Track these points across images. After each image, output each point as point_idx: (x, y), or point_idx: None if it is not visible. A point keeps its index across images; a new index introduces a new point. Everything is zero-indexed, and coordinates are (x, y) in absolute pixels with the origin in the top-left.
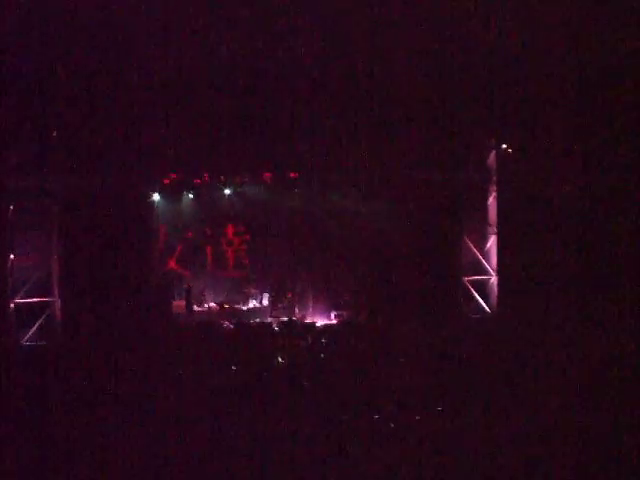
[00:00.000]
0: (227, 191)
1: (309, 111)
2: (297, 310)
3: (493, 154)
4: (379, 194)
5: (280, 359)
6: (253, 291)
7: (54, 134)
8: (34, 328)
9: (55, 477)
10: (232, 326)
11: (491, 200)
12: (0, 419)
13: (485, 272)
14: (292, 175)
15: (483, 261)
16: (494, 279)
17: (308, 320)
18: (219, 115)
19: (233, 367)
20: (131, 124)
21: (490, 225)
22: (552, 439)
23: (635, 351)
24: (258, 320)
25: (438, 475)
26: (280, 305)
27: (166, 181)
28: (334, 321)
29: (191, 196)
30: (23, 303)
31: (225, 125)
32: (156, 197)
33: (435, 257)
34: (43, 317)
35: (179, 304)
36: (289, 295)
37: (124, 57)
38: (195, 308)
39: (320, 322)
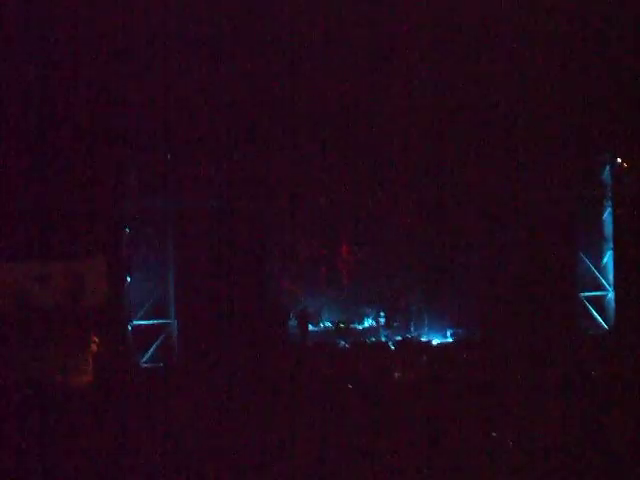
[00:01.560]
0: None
1: (418, 128)
2: (413, 328)
3: (608, 168)
4: (492, 211)
5: (396, 378)
6: (368, 310)
7: (168, 157)
8: (152, 349)
9: None
10: (348, 346)
11: (607, 215)
12: (122, 438)
13: (602, 288)
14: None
15: (599, 276)
16: (611, 295)
17: (424, 339)
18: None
19: (349, 386)
20: (243, 146)
21: (606, 240)
22: None
23: None
24: (374, 339)
25: None
26: (395, 324)
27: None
28: (450, 339)
29: None
30: (141, 325)
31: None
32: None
33: (550, 273)
34: (160, 338)
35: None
36: (404, 313)
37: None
38: (311, 328)
39: (436, 340)
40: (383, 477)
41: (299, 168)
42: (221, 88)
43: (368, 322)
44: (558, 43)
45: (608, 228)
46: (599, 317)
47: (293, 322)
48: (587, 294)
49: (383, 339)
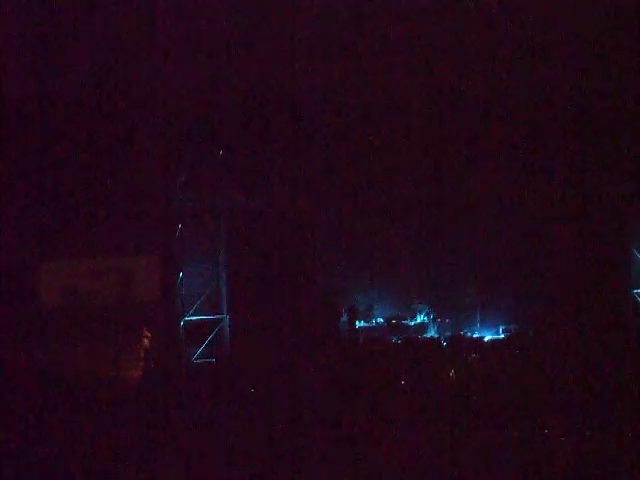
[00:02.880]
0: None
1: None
2: (465, 324)
3: None
4: (543, 206)
5: (449, 375)
6: (420, 306)
7: (220, 152)
8: (204, 345)
9: None
10: (399, 342)
11: None
12: (173, 434)
13: None
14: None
15: None
16: None
17: (476, 335)
18: None
19: (402, 382)
20: (294, 146)
21: None
22: None
23: None
24: (426, 335)
25: None
26: (447, 320)
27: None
28: (502, 336)
29: None
30: (193, 321)
31: None
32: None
33: (602, 270)
34: (212, 334)
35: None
36: (456, 309)
37: None
38: (362, 324)
39: (488, 336)
40: (435, 472)
41: (349, 167)
42: (274, 87)
43: (420, 318)
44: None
45: None
46: None
47: (345, 318)
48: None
49: (435, 335)
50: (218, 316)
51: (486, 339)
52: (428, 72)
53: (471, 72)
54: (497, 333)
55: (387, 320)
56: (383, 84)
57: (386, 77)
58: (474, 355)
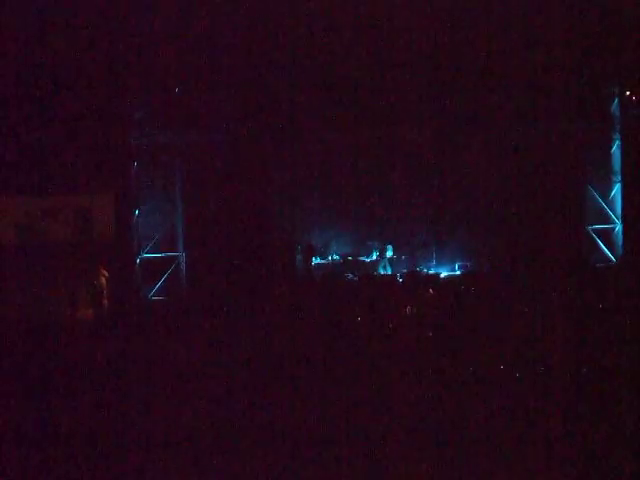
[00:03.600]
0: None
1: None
2: (420, 261)
3: (616, 101)
4: (500, 144)
5: (405, 311)
6: (376, 243)
7: (176, 90)
8: (160, 282)
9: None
10: (356, 278)
11: (615, 147)
12: (127, 372)
13: (610, 221)
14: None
15: (607, 209)
16: (619, 228)
17: (432, 271)
18: None
19: (358, 318)
20: (250, 80)
21: (614, 173)
22: None
23: None
24: (382, 273)
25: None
26: (403, 257)
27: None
28: (458, 272)
29: None
30: (149, 258)
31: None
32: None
33: (558, 206)
34: (168, 271)
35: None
36: (412, 246)
37: None
38: (319, 261)
39: (444, 273)
40: (390, 410)
41: (305, 101)
42: (229, 22)
43: (376, 255)
44: None
45: (616, 161)
46: (607, 250)
47: (300, 256)
48: (595, 227)
49: (391, 272)
50: (174, 254)
51: (442, 275)
52: None
53: None
54: (453, 269)
55: (343, 257)
56: None
57: None
58: (430, 291)
